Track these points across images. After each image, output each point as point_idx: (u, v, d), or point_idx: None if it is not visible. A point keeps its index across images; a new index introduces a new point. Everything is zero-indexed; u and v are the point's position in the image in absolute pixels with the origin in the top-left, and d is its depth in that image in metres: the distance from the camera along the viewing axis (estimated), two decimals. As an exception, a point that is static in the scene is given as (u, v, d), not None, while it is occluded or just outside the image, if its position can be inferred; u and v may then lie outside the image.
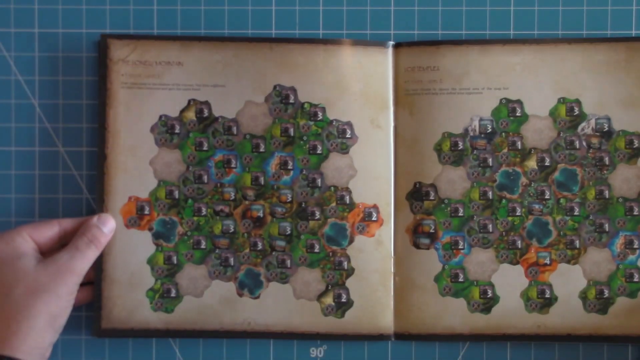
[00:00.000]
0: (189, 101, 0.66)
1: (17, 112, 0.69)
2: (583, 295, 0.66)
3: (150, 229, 0.66)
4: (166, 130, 0.66)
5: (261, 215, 0.66)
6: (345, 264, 0.67)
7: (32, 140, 0.69)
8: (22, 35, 0.69)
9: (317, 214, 0.67)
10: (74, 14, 0.69)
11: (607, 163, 0.66)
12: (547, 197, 0.66)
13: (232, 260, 0.66)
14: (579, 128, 0.66)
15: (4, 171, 0.69)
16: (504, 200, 0.66)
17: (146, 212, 0.66)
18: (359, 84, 0.67)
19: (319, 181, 0.67)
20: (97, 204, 0.66)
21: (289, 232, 0.66)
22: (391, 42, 0.67)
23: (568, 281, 0.66)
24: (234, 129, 0.67)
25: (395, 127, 0.67)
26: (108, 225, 0.65)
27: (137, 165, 0.66)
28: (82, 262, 0.62)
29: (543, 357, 0.68)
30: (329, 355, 0.69)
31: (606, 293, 0.66)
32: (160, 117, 0.66)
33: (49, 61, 0.69)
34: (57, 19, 0.69)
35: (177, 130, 0.66)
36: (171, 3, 0.69)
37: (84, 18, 0.69)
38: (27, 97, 0.69)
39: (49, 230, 0.63)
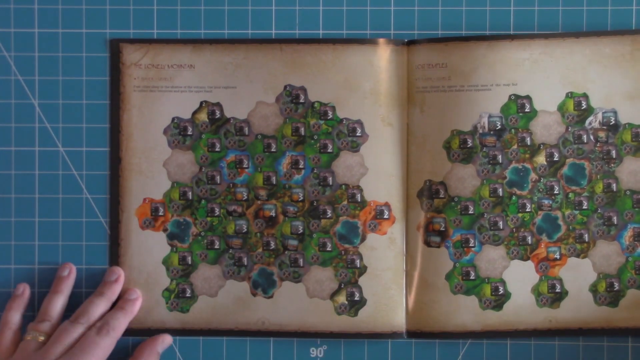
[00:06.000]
0: (201, 103, 0.72)
1: (17, 112, 0.73)
2: (593, 289, 0.71)
3: (164, 230, 0.72)
4: (179, 132, 0.72)
5: (273, 214, 0.72)
6: (357, 262, 0.71)
7: (32, 140, 0.73)
8: (22, 35, 0.73)
9: (329, 213, 0.72)
10: (74, 14, 0.73)
11: (614, 156, 0.71)
12: (556, 192, 0.71)
13: (245, 260, 0.72)
14: (587, 122, 0.71)
15: (4, 171, 0.73)
16: (514, 197, 0.71)
17: (160, 213, 0.72)
18: (368, 83, 0.71)
19: (330, 180, 0.72)
20: (112, 206, 0.72)
21: (301, 231, 0.72)
22: (404, 40, 0.72)
23: (578, 275, 0.71)
24: (246, 130, 0.72)
25: (407, 125, 0.72)
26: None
27: (151, 167, 0.72)
28: None
29: (543, 354, 0.72)
30: (329, 355, 0.73)
31: (616, 286, 0.71)
32: (173, 119, 0.72)
33: (49, 61, 0.73)
34: (57, 19, 0.73)
35: (189, 132, 0.72)
36: (171, 3, 0.73)
37: (84, 18, 0.73)
38: (27, 97, 0.73)
39: None
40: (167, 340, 0.71)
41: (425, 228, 0.71)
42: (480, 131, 0.71)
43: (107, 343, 0.66)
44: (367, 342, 0.72)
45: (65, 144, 0.73)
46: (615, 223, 0.71)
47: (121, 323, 0.68)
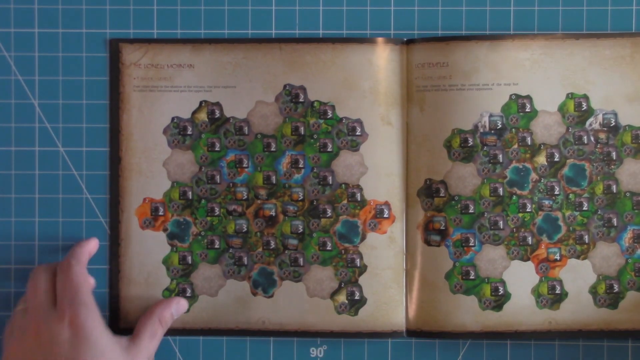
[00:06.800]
0: (201, 103, 0.73)
1: (17, 112, 0.74)
2: (593, 290, 0.71)
3: (164, 230, 0.72)
4: (178, 132, 0.73)
5: (273, 214, 0.72)
6: (357, 261, 0.72)
7: (32, 140, 0.74)
8: (22, 35, 0.74)
9: (329, 212, 0.72)
10: (74, 14, 0.74)
11: (614, 158, 0.71)
12: (556, 192, 0.71)
13: (245, 260, 0.72)
14: (587, 123, 0.71)
15: (4, 171, 0.74)
16: (514, 197, 0.71)
17: (160, 213, 0.73)
18: (368, 82, 0.72)
19: (330, 179, 0.72)
20: (112, 206, 0.72)
21: (301, 230, 0.72)
22: (403, 39, 0.72)
23: (578, 276, 0.71)
24: (245, 129, 0.73)
25: (407, 124, 0.72)
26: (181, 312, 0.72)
27: (151, 167, 0.72)
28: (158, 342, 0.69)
29: (543, 354, 0.73)
30: (329, 355, 0.74)
31: (616, 287, 0.71)
32: (173, 119, 0.73)
33: (49, 61, 0.74)
34: (57, 19, 0.74)
35: (189, 132, 0.73)
36: (171, 3, 0.74)
37: (84, 18, 0.74)
38: (27, 97, 0.74)
39: None
40: (182, 303, 0.72)
41: (425, 227, 0.72)
42: (481, 130, 0.71)
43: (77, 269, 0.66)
44: (367, 342, 0.73)
45: (65, 144, 0.74)
46: (615, 225, 0.71)
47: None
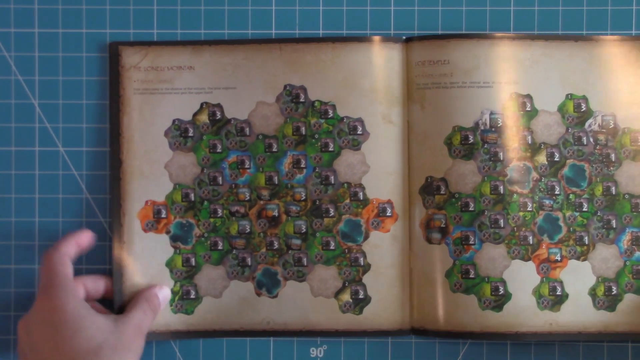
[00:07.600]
0: (202, 104, 0.73)
1: (17, 112, 0.74)
2: (592, 292, 0.72)
3: (167, 232, 0.73)
4: (180, 134, 0.73)
5: (276, 214, 0.73)
6: (361, 260, 0.73)
7: (32, 140, 0.74)
8: (22, 35, 0.74)
9: (332, 211, 0.73)
10: (74, 14, 0.74)
11: (613, 160, 0.72)
12: (557, 192, 0.72)
13: (249, 260, 0.73)
14: (586, 124, 0.72)
15: (4, 171, 0.74)
16: (515, 195, 0.72)
17: (163, 215, 0.73)
18: (368, 81, 0.73)
19: (332, 178, 0.73)
20: (114, 208, 0.73)
21: (304, 230, 0.73)
22: (402, 37, 0.73)
23: (578, 278, 0.72)
24: (247, 130, 0.73)
25: (408, 122, 0.73)
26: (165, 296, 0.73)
27: (153, 170, 0.73)
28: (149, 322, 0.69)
29: (543, 355, 0.74)
30: (329, 355, 0.75)
31: (614, 290, 0.72)
32: (174, 121, 0.73)
33: (49, 61, 0.74)
34: (57, 19, 0.74)
35: (190, 134, 0.73)
36: (171, 3, 0.74)
37: (84, 18, 0.74)
38: (27, 97, 0.74)
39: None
40: (164, 288, 0.72)
41: (427, 225, 0.73)
42: (482, 128, 0.72)
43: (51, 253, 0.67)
44: (367, 342, 0.75)
45: (65, 144, 0.74)
46: (614, 226, 0.73)
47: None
